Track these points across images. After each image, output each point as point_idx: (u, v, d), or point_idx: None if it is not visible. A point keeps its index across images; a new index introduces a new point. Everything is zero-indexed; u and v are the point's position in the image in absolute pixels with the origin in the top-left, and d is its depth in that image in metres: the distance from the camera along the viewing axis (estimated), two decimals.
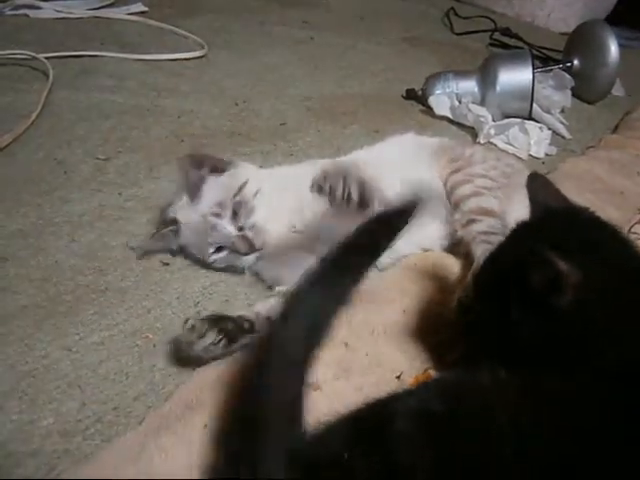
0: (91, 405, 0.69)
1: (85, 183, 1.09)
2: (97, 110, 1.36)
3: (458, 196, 0.95)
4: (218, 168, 0.92)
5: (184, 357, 0.74)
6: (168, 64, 1.68)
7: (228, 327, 0.74)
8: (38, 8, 1.97)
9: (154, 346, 0.78)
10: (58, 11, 1.97)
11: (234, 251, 0.87)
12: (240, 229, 0.87)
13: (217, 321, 0.74)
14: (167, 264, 0.93)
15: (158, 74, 1.60)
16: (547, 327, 0.58)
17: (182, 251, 0.92)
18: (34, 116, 1.27)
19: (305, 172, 0.96)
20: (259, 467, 0.51)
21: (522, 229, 0.69)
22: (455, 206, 0.95)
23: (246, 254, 0.87)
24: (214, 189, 0.89)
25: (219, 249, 0.88)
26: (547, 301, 0.57)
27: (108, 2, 2.10)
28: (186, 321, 0.72)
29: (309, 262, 0.86)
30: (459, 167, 1.00)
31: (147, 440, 0.60)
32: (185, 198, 0.89)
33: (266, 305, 0.82)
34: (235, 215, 0.87)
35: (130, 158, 1.19)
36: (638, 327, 0.56)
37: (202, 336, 0.72)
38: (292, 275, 0.86)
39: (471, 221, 0.91)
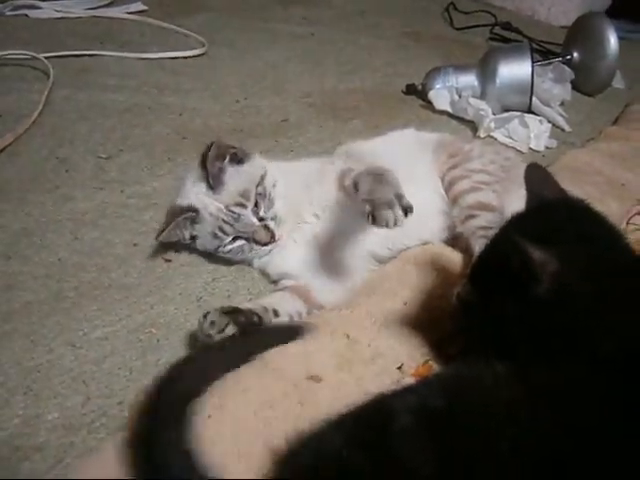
0: (96, 399, 0.70)
1: (87, 181, 1.10)
2: (98, 109, 1.37)
3: (456, 191, 0.96)
4: (237, 158, 0.92)
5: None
6: (169, 62, 1.68)
7: (241, 320, 0.75)
8: (38, 8, 1.98)
9: (157, 341, 0.79)
10: (57, 11, 1.98)
11: (254, 241, 0.88)
12: (261, 219, 0.88)
13: (233, 314, 0.75)
14: (169, 261, 0.94)
15: (159, 72, 1.61)
16: (533, 317, 0.59)
17: (193, 241, 0.92)
18: (35, 115, 1.28)
19: (315, 167, 0.97)
20: None
21: (513, 220, 0.69)
22: (453, 201, 0.95)
23: (265, 244, 0.88)
24: (236, 179, 0.89)
25: (235, 238, 0.89)
26: (527, 290, 0.58)
27: (107, 1, 2.11)
28: (205, 315, 0.73)
29: (314, 256, 0.89)
30: (457, 162, 1.00)
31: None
32: (204, 188, 0.89)
33: (272, 299, 0.82)
34: (257, 205, 0.88)
35: (132, 156, 1.20)
36: (624, 316, 0.57)
37: (221, 331, 0.73)
38: (298, 269, 0.87)
39: (470, 216, 0.91)
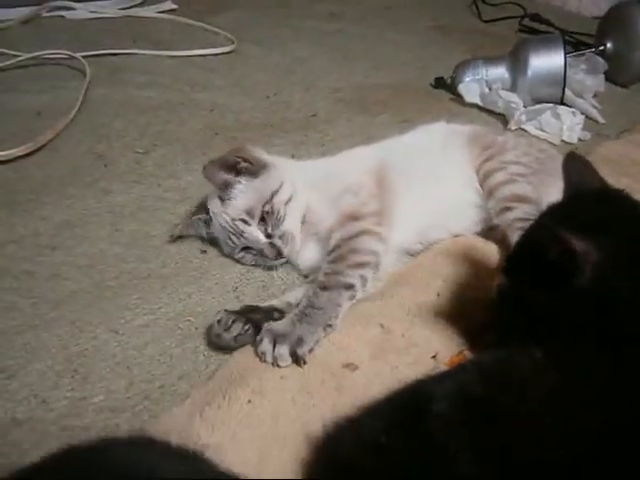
0: (139, 384, 0.73)
1: (125, 175, 1.14)
2: (133, 105, 1.41)
3: (492, 184, 0.95)
4: (251, 170, 0.90)
5: (215, 345, 0.77)
6: (199, 60, 1.71)
7: (256, 317, 0.76)
8: (73, 9, 2.04)
9: (196, 329, 0.81)
10: (92, 12, 2.03)
11: (262, 254, 0.89)
12: (269, 236, 0.88)
13: (245, 313, 0.77)
14: (205, 252, 0.96)
15: (190, 69, 1.64)
16: (572, 307, 0.59)
17: (214, 241, 0.94)
18: (74, 113, 1.32)
19: (347, 164, 0.97)
20: None
21: (551, 211, 0.69)
22: (489, 194, 0.95)
23: (274, 260, 0.89)
24: (245, 194, 0.89)
25: (246, 248, 0.90)
26: (566, 281, 0.58)
27: (139, 1, 2.16)
28: (218, 313, 0.76)
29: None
30: (492, 155, 0.99)
31: (193, 414, 0.63)
32: (217, 198, 0.91)
33: (296, 294, 0.83)
34: (263, 221, 0.88)
35: (167, 151, 1.23)
36: None
37: (228, 328, 0.75)
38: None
39: (506, 209, 0.90)
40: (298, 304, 0.79)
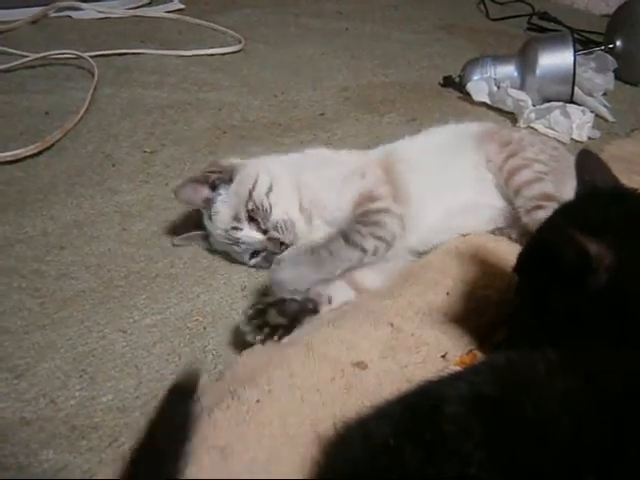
0: (147, 383, 0.72)
1: (133, 175, 1.14)
2: (141, 105, 1.41)
3: (519, 182, 0.93)
4: (225, 178, 0.91)
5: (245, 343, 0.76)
6: (207, 59, 1.71)
7: (291, 309, 0.75)
8: (80, 9, 2.04)
9: (204, 328, 0.81)
10: (99, 12, 2.04)
11: (269, 252, 0.88)
12: (265, 232, 0.88)
13: (277, 305, 0.75)
14: (213, 251, 0.96)
15: (198, 69, 1.64)
16: (585, 308, 0.58)
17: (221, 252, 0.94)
18: (82, 112, 1.32)
19: (345, 170, 0.95)
20: None
21: (563, 209, 0.68)
22: (516, 192, 0.92)
23: (280, 252, 0.87)
24: (226, 203, 0.89)
25: (255, 253, 0.90)
26: (580, 282, 0.57)
27: (146, 1, 2.16)
28: (245, 311, 0.74)
29: None
30: (513, 151, 0.97)
31: (202, 414, 0.63)
32: (206, 217, 0.91)
33: (328, 286, 0.83)
34: (254, 220, 0.87)
35: (175, 150, 1.23)
36: None
37: (261, 327, 0.74)
38: None
39: (537, 207, 0.88)
40: (330, 295, 0.81)
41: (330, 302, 0.81)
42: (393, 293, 0.83)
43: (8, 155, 1.12)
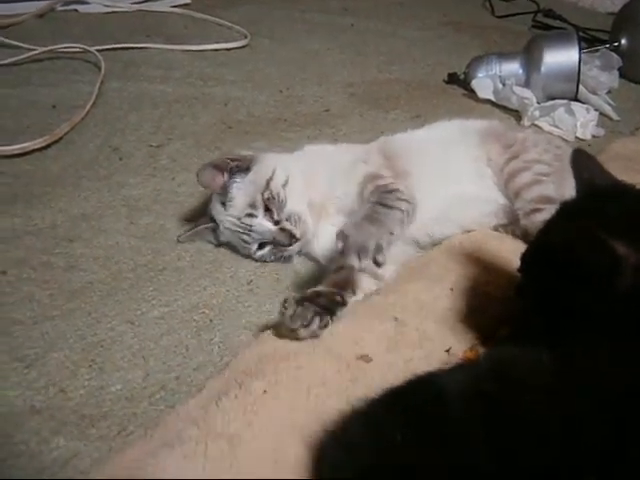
0: (155, 374, 0.73)
1: (140, 169, 1.15)
2: (147, 99, 1.42)
3: (518, 185, 0.94)
4: (243, 167, 0.92)
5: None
6: (212, 54, 1.72)
7: (322, 303, 0.75)
8: (87, 3, 2.05)
9: (211, 321, 0.82)
10: (106, 5, 2.04)
11: (277, 244, 0.89)
12: (277, 223, 0.89)
13: (313, 299, 0.75)
14: (220, 245, 0.97)
15: (203, 64, 1.65)
16: (604, 304, 0.57)
17: (226, 245, 0.95)
18: (89, 106, 1.33)
19: (347, 159, 0.97)
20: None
21: (570, 208, 0.68)
22: (515, 195, 0.94)
23: (289, 245, 0.89)
24: (242, 190, 0.91)
25: (262, 245, 0.91)
26: (605, 282, 0.56)
27: None
28: (284, 304, 0.72)
29: None
30: (515, 153, 0.98)
31: (209, 404, 0.64)
32: (218, 205, 0.92)
33: (344, 277, 0.82)
34: (268, 210, 0.89)
35: (181, 145, 1.24)
36: None
37: (308, 324, 0.72)
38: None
39: (535, 210, 0.90)
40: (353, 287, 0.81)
41: (354, 293, 0.82)
42: (397, 289, 0.84)
43: (16, 148, 1.13)
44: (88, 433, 0.65)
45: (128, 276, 0.89)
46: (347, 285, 0.81)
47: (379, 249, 0.74)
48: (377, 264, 0.74)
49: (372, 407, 0.58)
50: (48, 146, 1.18)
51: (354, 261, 0.74)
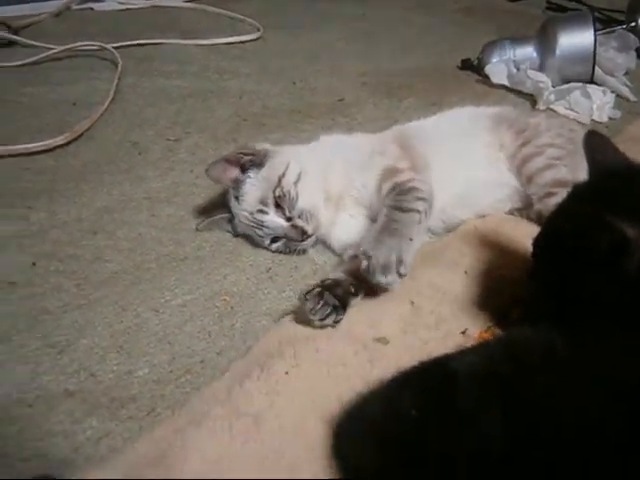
0: (180, 358, 0.76)
1: (159, 162, 1.18)
2: (163, 94, 1.45)
3: (531, 170, 0.95)
4: (256, 162, 0.93)
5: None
6: (226, 48, 1.74)
7: (340, 294, 0.77)
8: (101, 1, 2.09)
9: (232, 308, 0.85)
10: (120, 3, 2.07)
11: (289, 240, 0.91)
12: (289, 219, 0.90)
13: (332, 289, 0.77)
14: (238, 235, 0.99)
15: (217, 58, 1.67)
16: (615, 287, 0.58)
17: (243, 236, 0.97)
18: (107, 102, 1.36)
19: (364, 151, 0.97)
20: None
21: (582, 191, 0.68)
22: (529, 180, 0.95)
23: (301, 241, 0.90)
24: (255, 186, 0.92)
25: (275, 239, 0.92)
26: (614, 264, 0.57)
27: None
28: (305, 296, 0.75)
29: (369, 225, 0.91)
30: (527, 138, 0.99)
31: (233, 385, 0.67)
32: (233, 198, 0.94)
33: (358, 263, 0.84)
34: (279, 207, 0.90)
35: (198, 138, 1.26)
36: None
37: (325, 317, 0.74)
38: (356, 239, 0.91)
39: (548, 194, 0.90)
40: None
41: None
42: (413, 274, 0.84)
43: (40, 145, 1.17)
44: (119, 414, 0.68)
45: (151, 266, 0.92)
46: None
47: (400, 262, 0.75)
48: (400, 276, 0.75)
49: (389, 385, 0.60)
50: (70, 142, 1.22)
51: (381, 279, 0.74)
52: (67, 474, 0.60)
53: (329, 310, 0.74)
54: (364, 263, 0.75)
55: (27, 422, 0.67)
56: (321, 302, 0.74)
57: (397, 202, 0.84)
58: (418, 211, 0.83)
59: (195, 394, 0.70)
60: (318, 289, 0.76)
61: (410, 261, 0.76)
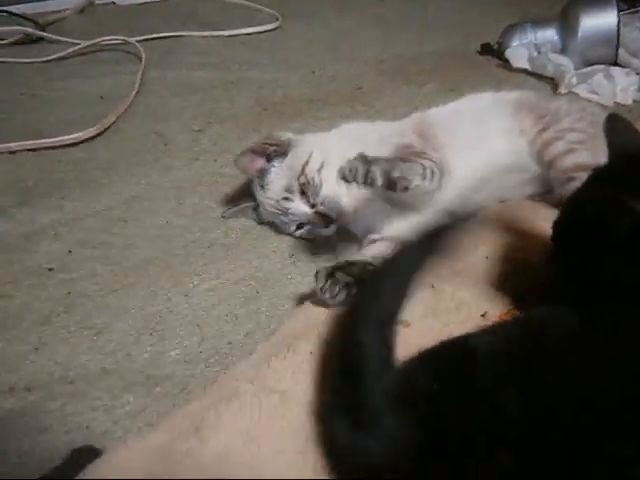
0: (209, 340, 0.80)
1: (184, 153, 1.21)
2: (186, 86, 1.48)
3: (552, 154, 0.95)
4: (281, 151, 0.96)
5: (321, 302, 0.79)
6: (245, 38, 1.77)
7: (355, 272, 0.79)
8: None
9: (257, 292, 0.88)
10: None
11: (314, 226, 0.93)
12: (313, 206, 0.92)
13: (345, 268, 0.79)
14: (262, 223, 1.02)
15: (238, 48, 1.70)
16: (634, 269, 0.58)
17: (268, 223, 1.00)
18: (133, 95, 1.40)
19: (386, 132, 1.00)
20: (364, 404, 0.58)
21: (602, 174, 0.68)
22: (549, 165, 0.95)
23: (326, 227, 0.93)
24: (279, 175, 0.95)
25: (300, 226, 0.95)
26: (633, 247, 0.58)
27: None
28: (316, 276, 0.78)
29: (391, 210, 0.93)
30: (547, 124, 0.99)
31: (261, 364, 0.70)
32: (258, 187, 0.97)
33: (377, 250, 0.88)
34: (304, 194, 0.92)
35: (221, 128, 1.29)
36: None
37: (334, 297, 0.76)
38: (379, 224, 0.93)
39: (569, 179, 0.90)
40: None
41: None
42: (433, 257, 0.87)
43: (71, 138, 1.21)
44: (154, 391, 0.72)
45: (179, 252, 0.95)
46: (379, 256, 0.84)
47: (393, 168, 0.78)
48: (390, 183, 0.77)
49: (410, 362, 0.62)
50: (99, 135, 1.26)
51: (345, 174, 0.77)
52: (108, 445, 0.64)
53: (338, 288, 0.76)
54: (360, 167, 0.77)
55: (69, 398, 0.71)
56: (330, 280, 0.77)
57: (403, 156, 0.86)
58: (422, 165, 0.84)
59: (225, 372, 0.73)
60: (329, 268, 0.78)
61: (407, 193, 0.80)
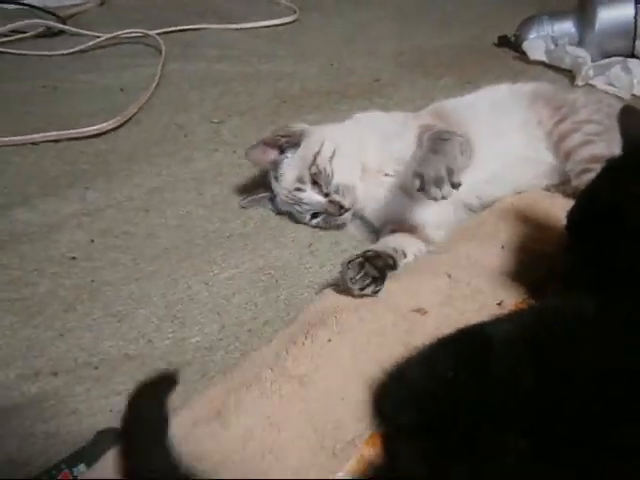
0: (229, 327, 0.82)
1: (204, 144, 1.23)
2: (206, 78, 1.50)
3: (568, 146, 0.95)
4: (293, 142, 0.97)
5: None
6: (264, 31, 1.78)
7: (380, 265, 0.79)
8: None
9: (276, 281, 0.90)
10: None
11: (329, 214, 0.94)
12: (326, 195, 0.94)
13: (372, 260, 0.79)
14: (281, 213, 1.03)
15: (256, 41, 1.71)
16: None
17: (284, 213, 1.02)
18: (153, 87, 1.42)
19: (399, 119, 1.01)
20: None
21: (615, 165, 0.69)
22: (566, 156, 0.95)
23: (340, 215, 0.94)
24: (292, 165, 0.96)
25: (315, 215, 0.97)
26: None
27: None
28: (347, 265, 0.76)
29: (409, 199, 0.94)
30: (564, 115, 0.99)
31: (280, 351, 0.71)
32: (273, 178, 0.98)
33: (396, 241, 0.88)
34: (316, 184, 0.93)
35: (240, 120, 1.31)
36: None
37: (365, 287, 0.77)
38: (395, 213, 0.94)
39: (585, 170, 0.90)
40: (403, 250, 0.86)
41: (405, 256, 0.86)
42: (450, 248, 0.88)
43: (93, 129, 1.24)
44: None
45: (199, 242, 0.97)
46: (400, 248, 0.86)
47: (451, 172, 0.78)
48: (454, 186, 0.78)
49: (428, 349, 0.63)
50: (120, 126, 1.28)
51: (436, 193, 0.78)
52: None
53: (368, 280, 0.77)
54: (416, 182, 0.79)
55: (94, 382, 0.73)
56: (362, 272, 0.77)
57: (436, 136, 0.87)
58: (458, 140, 0.86)
59: (245, 358, 0.75)
60: (360, 259, 0.78)
61: (459, 172, 0.80)
